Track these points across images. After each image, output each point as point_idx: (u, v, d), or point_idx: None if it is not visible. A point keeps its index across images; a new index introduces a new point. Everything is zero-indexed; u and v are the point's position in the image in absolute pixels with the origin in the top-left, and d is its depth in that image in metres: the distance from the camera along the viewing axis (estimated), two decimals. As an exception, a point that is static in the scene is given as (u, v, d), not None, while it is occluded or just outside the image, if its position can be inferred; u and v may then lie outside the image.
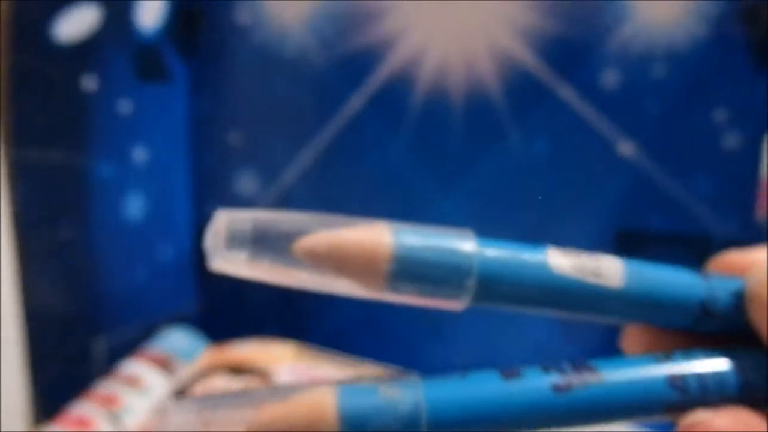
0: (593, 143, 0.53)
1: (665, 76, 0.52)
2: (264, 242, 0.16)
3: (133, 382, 0.51)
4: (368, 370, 0.53)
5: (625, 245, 0.54)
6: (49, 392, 0.52)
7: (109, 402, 0.49)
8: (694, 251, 0.52)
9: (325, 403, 0.16)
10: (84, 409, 0.48)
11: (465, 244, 0.17)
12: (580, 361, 0.18)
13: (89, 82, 0.51)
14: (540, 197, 0.55)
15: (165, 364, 0.54)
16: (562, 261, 0.18)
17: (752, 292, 0.19)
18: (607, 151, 0.53)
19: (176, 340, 0.57)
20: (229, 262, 0.16)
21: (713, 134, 0.52)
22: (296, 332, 0.59)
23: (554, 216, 0.55)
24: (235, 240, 0.16)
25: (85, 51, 0.50)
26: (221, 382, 0.52)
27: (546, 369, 0.17)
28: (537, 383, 0.17)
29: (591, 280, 0.18)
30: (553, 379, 0.17)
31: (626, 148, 0.53)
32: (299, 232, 0.17)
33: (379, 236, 0.17)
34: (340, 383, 0.17)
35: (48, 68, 0.49)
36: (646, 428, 0.47)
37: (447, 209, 0.56)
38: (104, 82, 0.52)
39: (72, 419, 0.47)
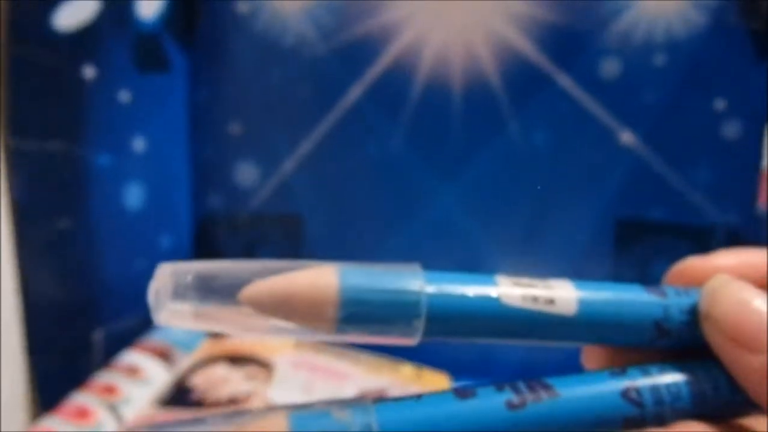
0: (593, 133, 0.53)
1: (665, 65, 0.52)
2: (209, 293, 0.16)
3: (132, 372, 0.51)
4: (366, 359, 0.53)
5: (624, 235, 0.54)
6: (49, 383, 0.52)
7: (108, 392, 0.49)
8: (694, 241, 0.52)
9: (277, 427, 0.16)
10: (83, 399, 0.48)
11: (412, 283, 0.17)
12: (534, 379, 0.18)
13: (88, 72, 0.51)
14: (539, 187, 0.55)
15: (165, 355, 0.54)
16: (513, 292, 0.18)
17: (705, 312, 0.19)
18: (607, 140, 0.53)
19: (176, 330, 0.57)
20: (174, 315, 0.16)
21: (713, 124, 0.52)
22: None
23: (554, 206, 0.55)
24: (178, 293, 0.16)
25: (84, 40, 0.50)
26: (221, 372, 0.52)
27: (500, 387, 0.17)
28: (491, 401, 0.17)
29: (544, 309, 0.18)
30: (507, 396, 0.17)
31: (626, 137, 0.53)
32: (243, 281, 0.16)
33: (324, 280, 0.17)
34: (293, 408, 0.17)
35: (47, 57, 0.49)
36: None
37: (446, 199, 0.56)
38: (103, 72, 0.52)
39: (71, 410, 0.47)
